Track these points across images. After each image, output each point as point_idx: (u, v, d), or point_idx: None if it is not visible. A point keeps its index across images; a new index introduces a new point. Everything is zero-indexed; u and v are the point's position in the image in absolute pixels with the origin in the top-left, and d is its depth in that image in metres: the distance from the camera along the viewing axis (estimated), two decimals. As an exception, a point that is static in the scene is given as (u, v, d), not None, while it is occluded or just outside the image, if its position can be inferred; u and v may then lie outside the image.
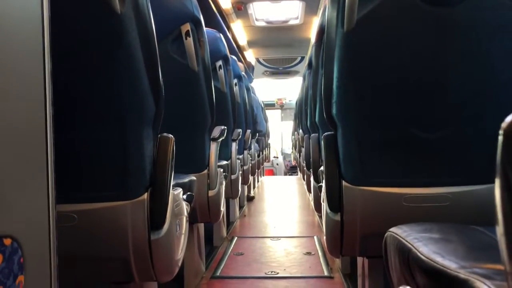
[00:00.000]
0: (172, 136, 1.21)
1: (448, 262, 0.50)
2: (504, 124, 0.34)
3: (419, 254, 0.57)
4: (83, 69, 1.03)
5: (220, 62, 2.46)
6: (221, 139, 2.04)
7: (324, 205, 1.41)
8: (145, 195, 1.12)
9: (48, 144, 0.75)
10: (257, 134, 5.23)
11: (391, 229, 0.74)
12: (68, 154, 1.07)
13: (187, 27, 1.71)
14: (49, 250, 0.76)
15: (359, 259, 1.57)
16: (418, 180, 1.31)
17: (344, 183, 1.33)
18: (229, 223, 3.42)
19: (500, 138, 0.34)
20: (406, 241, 0.63)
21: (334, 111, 1.35)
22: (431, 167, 1.31)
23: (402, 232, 0.67)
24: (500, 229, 0.35)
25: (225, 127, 2.09)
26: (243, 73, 3.61)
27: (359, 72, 1.29)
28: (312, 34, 6.35)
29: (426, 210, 1.29)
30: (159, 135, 1.19)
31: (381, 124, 1.31)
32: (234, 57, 3.34)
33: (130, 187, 1.12)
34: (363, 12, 1.22)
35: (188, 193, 1.46)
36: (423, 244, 0.59)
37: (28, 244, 0.68)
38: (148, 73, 1.07)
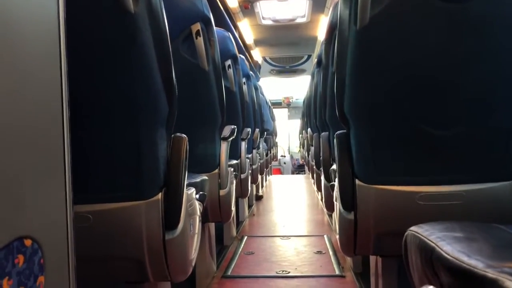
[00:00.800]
0: (186, 136, 1.21)
1: (474, 262, 0.50)
2: None
3: (443, 253, 0.56)
4: (97, 69, 1.03)
5: (229, 62, 2.46)
6: (231, 138, 2.04)
7: (337, 204, 1.41)
8: (159, 195, 1.12)
9: (65, 145, 0.75)
10: (265, 133, 5.23)
11: (411, 228, 0.73)
12: (83, 155, 1.08)
13: (197, 26, 1.71)
14: (67, 251, 0.76)
15: (372, 258, 1.56)
16: (432, 178, 1.30)
17: (357, 181, 1.32)
18: (239, 223, 3.42)
19: None
20: (429, 240, 0.62)
21: (346, 109, 1.34)
22: (445, 164, 1.30)
23: (423, 231, 0.66)
24: None
25: (235, 127, 2.09)
26: (250, 72, 3.60)
27: (372, 70, 1.28)
28: (319, 32, 6.34)
29: (441, 208, 1.28)
30: (172, 135, 1.19)
31: (394, 122, 1.30)
32: (242, 56, 3.34)
33: (144, 187, 1.12)
34: (376, 9, 1.21)
35: (201, 192, 1.46)
36: (447, 243, 0.58)
37: (47, 245, 0.68)
38: (161, 72, 1.07)
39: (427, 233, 0.65)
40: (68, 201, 0.77)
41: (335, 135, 1.42)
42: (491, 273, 0.46)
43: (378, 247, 1.35)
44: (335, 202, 1.50)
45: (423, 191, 1.28)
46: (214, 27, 1.81)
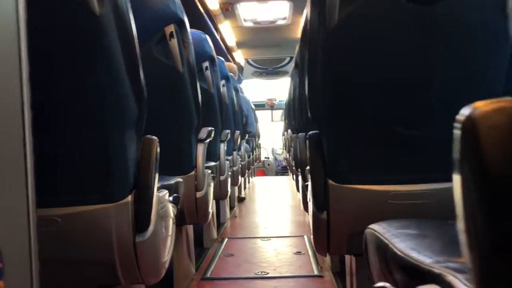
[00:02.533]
0: (156, 138, 1.20)
1: (423, 257, 0.51)
2: (460, 117, 0.34)
3: (395, 250, 0.57)
4: (62, 71, 1.02)
5: (206, 63, 2.46)
6: (208, 140, 2.04)
7: (311, 204, 1.42)
8: (129, 198, 1.11)
9: (26, 148, 0.74)
10: (247, 134, 5.23)
11: (370, 226, 0.74)
12: (50, 158, 1.07)
13: (171, 28, 1.70)
14: (29, 255, 0.75)
15: (347, 257, 1.58)
16: (403, 177, 1.31)
17: (329, 181, 1.33)
18: (220, 225, 3.41)
19: (457, 132, 0.34)
20: (384, 237, 0.63)
21: (318, 110, 1.35)
22: (416, 164, 1.32)
23: (380, 229, 0.67)
24: (460, 225, 0.35)
25: (213, 128, 2.09)
26: (230, 74, 3.60)
27: (342, 71, 1.29)
28: (300, 34, 6.36)
29: (412, 207, 1.29)
30: (142, 137, 1.19)
31: (365, 122, 1.31)
32: (221, 58, 3.34)
33: (114, 190, 1.11)
34: (345, 11, 1.22)
35: (175, 195, 1.45)
36: (400, 240, 0.59)
37: (7, 249, 0.67)
38: (129, 74, 1.07)
39: (383, 230, 0.66)
40: (31, 204, 0.76)
41: (307, 136, 1.43)
42: (436, 268, 0.47)
43: (351, 246, 1.36)
44: (308, 202, 1.51)
45: (394, 190, 1.30)
46: (189, 29, 1.81)
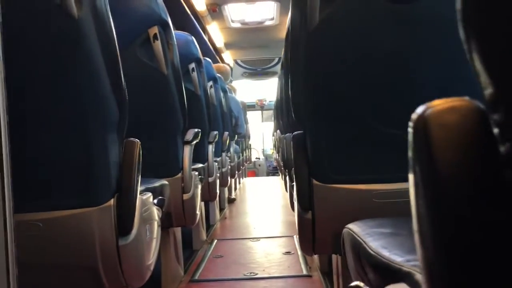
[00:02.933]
0: (138, 140, 1.20)
1: (393, 256, 0.51)
2: (414, 115, 0.34)
3: (368, 249, 0.58)
4: (41, 74, 1.01)
5: (193, 65, 2.45)
6: (194, 142, 2.03)
7: (296, 204, 1.42)
8: (112, 201, 1.11)
9: (2, 151, 0.74)
10: (237, 136, 5.23)
11: (347, 225, 0.74)
12: (31, 162, 1.06)
13: (154, 30, 1.70)
14: (6, 260, 0.74)
15: (333, 257, 1.58)
16: (386, 176, 1.32)
17: (314, 181, 1.33)
18: (209, 226, 3.41)
19: (410, 132, 0.35)
20: (358, 236, 0.64)
21: (302, 110, 1.36)
22: (398, 162, 1.32)
23: (356, 228, 0.68)
24: (414, 226, 0.36)
25: (199, 130, 2.08)
26: (218, 75, 3.60)
27: (324, 71, 1.30)
28: (288, 34, 6.37)
29: (395, 206, 1.30)
30: (124, 140, 1.18)
31: (348, 122, 1.32)
32: (208, 59, 3.33)
33: (96, 194, 1.10)
34: (326, 11, 1.23)
35: (159, 197, 1.45)
36: (373, 239, 0.59)
37: (-18, 255, 0.67)
38: (109, 77, 1.06)
39: (359, 229, 0.66)
40: (8, 210, 0.76)
41: (292, 136, 1.44)
42: (405, 267, 0.47)
43: (337, 246, 1.35)
44: (294, 202, 1.51)
45: (378, 189, 1.31)
46: (173, 31, 1.81)
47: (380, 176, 1.32)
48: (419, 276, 0.44)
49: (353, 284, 0.61)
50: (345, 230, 0.75)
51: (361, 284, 0.59)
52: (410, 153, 0.36)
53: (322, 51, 1.27)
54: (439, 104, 0.33)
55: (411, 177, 0.36)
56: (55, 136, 1.07)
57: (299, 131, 1.42)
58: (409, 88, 1.30)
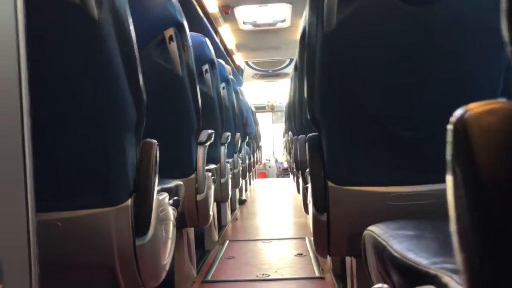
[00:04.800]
0: (156, 141, 1.21)
1: (419, 259, 0.51)
2: (453, 118, 0.34)
3: (392, 251, 0.57)
4: (61, 75, 1.02)
5: (206, 66, 2.46)
6: (208, 143, 2.04)
7: (311, 206, 1.42)
8: (129, 201, 1.12)
9: (25, 151, 0.75)
10: (247, 137, 5.23)
11: (369, 228, 0.74)
12: (50, 162, 1.07)
13: (170, 31, 1.71)
14: (28, 260, 0.75)
15: (348, 259, 1.58)
16: (403, 178, 1.31)
17: (329, 183, 1.33)
18: (221, 227, 3.41)
19: (450, 133, 0.34)
20: (382, 238, 0.63)
21: (317, 112, 1.35)
22: (415, 165, 1.32)
23: (378, 230, 0.68)
24: (452, 226, 0.35)
25: (213, 131, 2.09)
26: (231, 76, 3.61)
27: (340, 73, 1.29)
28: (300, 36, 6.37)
29: (412, 209, 1.29)
30: (142, 141, 1.19)
31: (364, 124, 1.32)
32: (221, 60, 3.34)
33: (114, 194, 1.11)
34: (343, 13, 1.23)
35: (175, 198, 1.46)
36: (398, 241, 0.59)
37: (6, 254, 0.68)
38: (128, 78, 1.07)
39: (381, 232, 0.66)
40: (30, 209, 0.76)
41: (307, 138, 1.43)
42: (432, 269, 0.47)
43: (352, 248, 1.36)
44: (308, 204, 1.51)
45: (394, 191, 1.30)
46: (188, 32, 1.82)
47: (396, 178, 1.32)
48: (447, 279, 0.43)
49: (376, 286, 0.61)
50: (366, 232, 0.74)
51: (384, 286, 0.59)
52: (448, 156, 0.36)
53: (338, 53, 1.27)
54: (477, 106, 0.33)
55: (449, 178, 0.35)
56: (74, 136, 1.08)
57: (314, 133, 1.42)
58: (426, 91, 1.29)
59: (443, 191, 1.33)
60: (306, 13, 1.33)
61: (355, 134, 1.33)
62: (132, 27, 1.07)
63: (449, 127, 0.36)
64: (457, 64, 1.27)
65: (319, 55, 1.27)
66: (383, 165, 1.33)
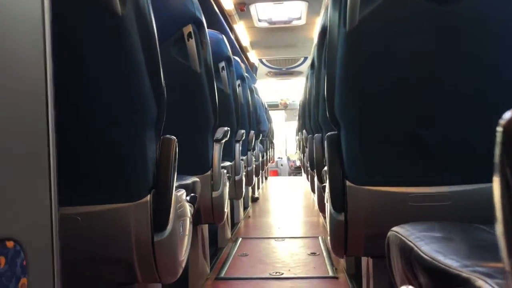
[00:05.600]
0: (175, 138, 1.21)
1: (450, 261, 0.50)
2: (502, 121, 0.33)
3: (421, 253, 0.57)
4: (84, 71, 1.03)
5: (223, 64, 2.46)
6: (224, 140, 2.04)
7: (328, 205, 1.41)
8: (148, 197, 1.12)
9: (50, 146, 0.75)
10: (261, 135, 5.23)
11: (393, 229, 0.73)
12: (71, 156, 1.08)
13: (189, 28, 1.71)
14: (52, 253, 0.76)
15: (364, 259, 1.57)
16: (422, 179, 1.30)
17: (347, 183, 1.32)
18: (234, 224, 3.42)
19: (499, 134, 0.34)
20: (409, 240, 0.63)
21: (336, 110, 1.35)
22: (435, 165, 1.31)
23: (404, 231, 0.67)
24: (499, 228, 0.35)
25: (228, 128, 2.09)
26: (246, 74, 3.61)
27: (361, 71, 1.28)
28: (315, 34, 6.34)
29: (431, 209, 1.28)
30: (161, 137, 1.19)
31: (384, 123, 1.31)
32: (237, 58, 3.34)
33: (133, 189, 1.12)
34: (365, 11, 1.22)
35: (192, 194, 1.46)
36: (425, 243, 0.58)
37: (31, 247, 0.68)
38: (149, 75, 1.07)
39: (407, 233, 0.65)
40: (53, 203, 0.77)
41: (326, 137, 1.43)
42: (464, 273, 0.46)
43: (369, 248, 1.35)
44: (326, 203, 1.50)
45: (413, 192, 1.29)
46: (206, 29, 1.82)
47: (415, 179, 1.31)
48: (481, 283, 0.43)
49: (403, 287, 0.60)
50: (391, 233, 0.74)
51: (410, 287, 0.59)
52: (497, 157, 0.35)
53: (360, 51, 1.26)
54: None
55: (497, 179, 0.35)
56: (96, 131, 1.09)
57: (333, 132, 1.41)
58: (448, 91, 1.27)
59: (462, 193, 1.32)
60: (328, 10, 1.32)
61: (374, 133, 1.32)
62: (154, 24, 1.07)
63: (499, 129, 0.35)
64: (480, 65, 1.26)
65: (340, 53, 1.26)
66: (402, 165, 1.32)
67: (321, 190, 1.96)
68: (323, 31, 1.86)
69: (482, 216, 1.26)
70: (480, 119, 1.27)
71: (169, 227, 1.15)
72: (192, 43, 1.71)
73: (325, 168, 1.84)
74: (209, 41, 1.82)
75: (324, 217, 3.25)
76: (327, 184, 1.45)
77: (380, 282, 1.41)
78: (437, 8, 1.21)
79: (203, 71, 1.78)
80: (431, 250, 0.55)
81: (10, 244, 0.62)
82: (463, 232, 0.65)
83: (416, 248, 0.59)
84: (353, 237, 1.33)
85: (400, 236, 0.67)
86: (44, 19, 0.73)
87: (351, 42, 1.24)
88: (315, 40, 6.66)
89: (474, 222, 0.83)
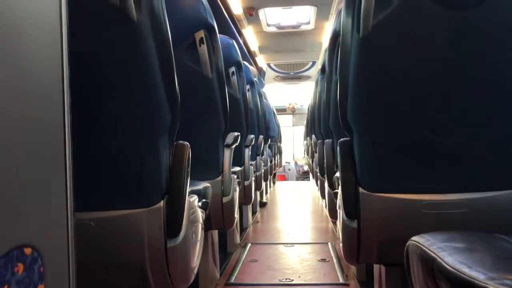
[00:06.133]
0: (188, 144, 1.21)
1: (475, 273, 0.49)
2: None
3: (444, 264, 0.56)
4: (100, 77, 1.03)
5: (233, 69, 2.46)
6: (234, 145, 2.04)
7: (340, 212, 1.40)
8: (161, 203, 1.12)
9: (66, 153, 0.75)
10: (269, 139, 5.22)
11: (413, 238, 0.72)
12: (84, 162, 1.08)
13: (201, 34, 1.71)
14: (68, 259, 0.76)
15: (376, 267, 1.55)
16: (436, 186, 1.29)
17: (360, 189, 1.31)
18: (243, 230, 3.41)
19: None
20: (430, 250, 0.62)
21: (349, 116, 1.34)
22: (449, 172, 1.29)
23: (425, 241, 0.66)
24: None
25: (239, 134, 2.09)
26: (255, 78, 3.61)
27: (375, 77, 1.28)
28: (323, 39, 6.34)
29: (445, 217, 1.27)
30: (175, 143, 1.19)
31: (397, 129, 1.30)
32: (246, 63, 3.34)
33: (147, 195, 1.12)
34: (379, 16, 1.21)
35: (203, 200, 1.46)
36: (448, 254, 0.57)
37: (48, 253, 0.68)
38: (164, 80, 1.08)
39: (429, 243, 0.64)
40: (69, 209, 0.77)
41: (338, 143, 1.42)
42: (491, 285, 0.45)
43: (382, 256, 1.34)
44: (338, 210, 1.49)
45: (427, 199, 1.28)
46: (218, 35, 1.82)
47: (429, 186, 1.29)
48: (510, 296, 0.42)
49: (424, 299, 0.59)
50: (410, 242, 0.73)
51: (432, 299, 0.58)
52: None
53: (373, 57, 1.25)
54: None
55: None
56: (109, 137, 1.09)
57: (345, 138, 1.40)
58: (461, 97, 1.26)
59: (477, 200, 1.30)
60: (341, 15, 1.31)
61: (388, 139, 1.31)
62: (168, 29, 1.07)
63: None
64: (494, 70, 1.25)
65: (354, 58, 1.26)
66: (416, 172, 1.31)
67: (333, 196, 1.95)
68: (335, 36, 1.86)
69: (497, 225, 1.25)
70: (494, 125, 1.25)
71: (182, 233, 1.15)
72: (204, 49, 1.71)
73: (337, 174, 1.84)
74: (220, 47, 1.82)
75: (335, 223, 3.23)
76: (339, 191, 1.44)
77: (393, 290, 1.40)
78: (451, 14, 1.21)
79: (214, 77, 1.78)
80: (455, 261, 0.54)
81: (28, 251, 0.62)
82: (484, 243, 0.64)
83: (439, 259, 0.58)
84: (365, 244, 1.32)
85: (420, 246, 0.66)
86: (61, 25, 0.73)
87: (364, 47, 1.24)
88: (324, 45, 6.67)
89: (491, 230, 0.82)
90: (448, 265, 0.55)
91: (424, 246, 0.65)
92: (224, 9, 4.79)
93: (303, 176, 11.06)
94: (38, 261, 0.65)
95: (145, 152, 1.09)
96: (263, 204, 4.81)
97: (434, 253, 0.60)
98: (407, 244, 0.75)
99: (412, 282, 0.71)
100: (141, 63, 1.02)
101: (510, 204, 1.23)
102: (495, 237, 0.67)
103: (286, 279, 2.17)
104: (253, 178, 3.09)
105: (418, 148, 1.29)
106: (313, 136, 3.86)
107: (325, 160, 2.36)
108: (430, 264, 0.60)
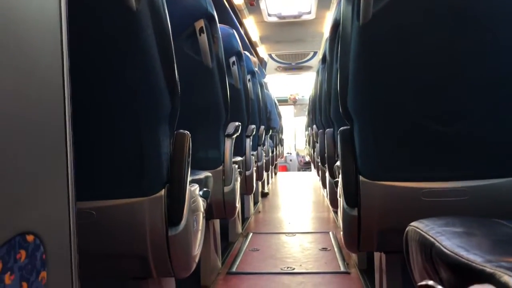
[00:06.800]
0: (188, 133, 1.21)
1: (473, 256, 0.49)
2: None
3: (442, 248, 0.56)
4: (100, 66, 1.03)
5: (233, 58, 2.46)
6: (235, 135, 2.04)
7: (341, 200, 1.40)
8: (162, 192, 1.13)
9: (67, 141, 0.76)
10: (271, 130, 5.22)
11: (412, 224, 0.73)
12: (86, 151, 1.08)
13: (201, 23, 1.71)
14: (70, 246, 0.76)
15: (376, 254, 1.56)
16: (436, 174, 1.29)
17: (361, 178, 1.32)
18: (244, 219, 3.43)
19: None
20: (429, 235, 0.62)
21: (350, 105, 1.34)
22: (449, 160, 1.30)
23: (424, 226, 0.66)
24: None
25: (240, 123, 2.09)
26: (256, 68, 3.60)
27: (375, 66, 1.27)
28: (325, 28, 6.32)
29: (445, 204, 1.27)
30: (175, 132, 1.20)
31: (397, 118, 1.30)
32: (247, 52, 3.33)
33: (147, 184, 1.12)
34: (379, 4, 1.20)
35: (204, 189, 1.46)
36: (446, 238, 0.58)
37: (50, 241, 0.69)
38: (164, 69, 1.08)
39: (427, 228, 0.65)
40: (71, 197, 0.77)
41: (338, 131, 1.42)
42: (489, 268, 0.46)
43: (382, 244, 1.34)
44: (338, 199, 1.50)
45: (427, 187, 1.28)
46: (218, 24, 1.81)
47: (429, 174, 1.30)
48: (507, 278, 0.42)
49: (422, 283, 0.60)
50: (410, 228, 0.73)
51: (431, 282, 0.58)
52: None
53: (374, 45, 1.24)
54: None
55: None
56: (110, 126, 1.09)
57: (345, 127, 1.40)
58: (462, 85, 1.26)
59: (476, 188, 1.31)
60: (341, 4, 1.30)
61: (388, 128, 1.31)
62: (168, 19, 1.07)
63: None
64: (496, 58, 1.24)
65: (354, 46, 1.25)
66: (416, 160, 1.31)
67: (333, 186, 1.96)
68: (335, 25, 1.85)
69: (497, 211, 1.26)
70: (495, 114, 1.25)
71: (183, 222, 1.15)
72: (204, 38, 1.71)
73: (337, 163, 1.84)
74: (220, 36, 1.81)
75: (336, 212, 3.24)
76: (339, 179, 1.44)
77: (393, 277, 1.41)
78: (452, 2, 1.20)
79: (215, 66, 1.78)
80: (453, 245, 0.55)
81: (30, 238, 0.62)
82: (483, 227, 0.64)
83: (437, 243, 0.58)
84: (366, 232, 1.32)
85: (419, 231, 0.66)
86: (61, 14, 0.73)
87: (364, 36, 1.23)
88: (325, 35, 6.63)
89: (491, 217, 0.82)
90: (446, 248, 0.55)
91: (423, 231, 0.65)
92: (225, -1, 4.77)
93: (305, 166, 11.07)
94: (40, 248, 0.65)
95: (146, 142, 1.10)
96: (264, 194, 4.82)
97: (432, 237, 0.61)
98: (406, 229, 0.76)
99: (411, 267, 0.71)
100: (140, 52, 1.02)
101: (510, 192, 1.23)
102: (494, 222, 0.68)
103: (288, 267, 2.18)
104: (255, 168, 3.10)
105: (418, 136, 1.29)
106: (314, 126, 3.86)
107: (326, 149, 2.36)
108: (429, 249, 0.60)
